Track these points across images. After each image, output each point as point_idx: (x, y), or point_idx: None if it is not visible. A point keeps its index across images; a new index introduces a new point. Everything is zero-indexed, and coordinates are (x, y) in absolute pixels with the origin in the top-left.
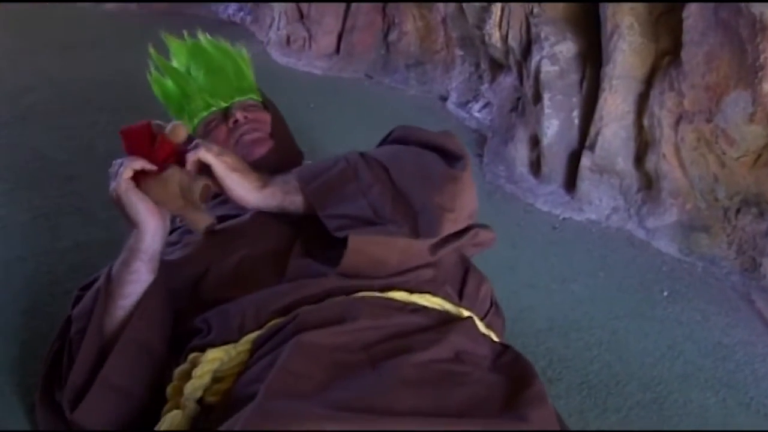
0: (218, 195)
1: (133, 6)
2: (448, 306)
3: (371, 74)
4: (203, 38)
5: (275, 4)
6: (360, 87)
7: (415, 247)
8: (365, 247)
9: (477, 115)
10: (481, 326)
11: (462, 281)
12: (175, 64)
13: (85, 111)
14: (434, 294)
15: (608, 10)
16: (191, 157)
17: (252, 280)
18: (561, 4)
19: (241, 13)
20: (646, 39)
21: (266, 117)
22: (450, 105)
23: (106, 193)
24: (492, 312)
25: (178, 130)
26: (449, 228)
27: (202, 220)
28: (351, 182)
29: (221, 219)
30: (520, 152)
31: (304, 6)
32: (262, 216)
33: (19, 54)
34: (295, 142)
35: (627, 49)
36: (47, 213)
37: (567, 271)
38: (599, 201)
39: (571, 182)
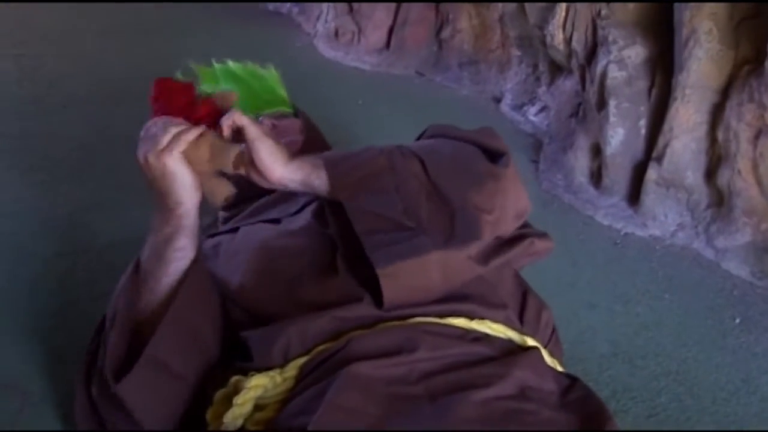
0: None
1: None
2: (511, 333)
3: (422, 72)
4: (231, 63)
5: None
6: (410, 84)
7: (455, 257)
8: (399, 279)
9: (533, 118)
10: (546, 356)
11: (521, 305)
12: (204, 87)
13: (126, 100)
14: (495, 320)
15: (685, 14)
16: (226, 121)
17: (295, 296)
18: (631, 6)
19: (288, 5)
20: (725, 46)
21: (296, 123)
22: (504, 107)
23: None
24: (553, 340)
25: (229, 97)
26: (490, 231)
27: (224, 190)
28: (383, 174)
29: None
30: (580, 161)
31: None
32: (309, 225)
33: (60, 38)
34: (329, 147)
35: (703, 57)
36: (86, 206)
37: (630, 291)
38: (664, 216)
39: (634, 195)
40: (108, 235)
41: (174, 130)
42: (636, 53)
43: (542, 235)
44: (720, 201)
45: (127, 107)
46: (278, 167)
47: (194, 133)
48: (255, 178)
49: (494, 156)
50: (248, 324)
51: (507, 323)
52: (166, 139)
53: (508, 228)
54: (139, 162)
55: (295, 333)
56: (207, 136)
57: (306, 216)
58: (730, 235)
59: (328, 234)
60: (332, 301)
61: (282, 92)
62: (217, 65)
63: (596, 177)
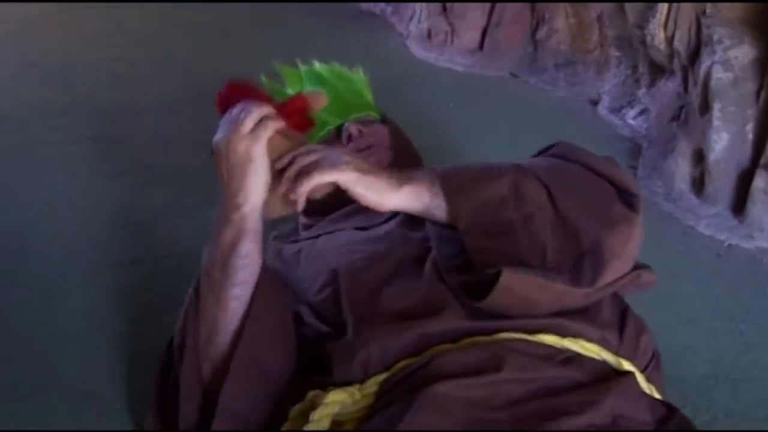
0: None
1: None
2: (605, 355)
3: (517, 73)
4: (317, 64)
5: None
6: (504, 86)
7: (573, 294)
8: (517, 287)
9: (632, 122)
10: (642, 381)
11: (620, 325)
12: (290, 91)
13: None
14: (590, 339)
15: None
16: (303, 187)
17: (378, 305)
18: (739, 3)
19: (382, 5)
20: None
21: (383, 129)
22: (601, 110)
23: None
24: (652, 366)
25: (320, 98)
26: (612, 276)
27: (283, 207)
28: (506, 207)
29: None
30: (681, 167)
31: None
32: (396, 231)
33: (151, 40)
34: (419, 157)
35: None
36: (169, 212)
37: (734, 307)
38: None
39: (739, 204)
40: (189, 241)
41: (261, 113)
42: (743, 53)
43: (646, 267)
44: None
45: (214, 109)
46: (391, 200)
47: (281, 123)
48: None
49: (624, 193)
50: (327, 334)
51: (602, 343)
52: (251, 123)
53: (625, 271)
54: (217, 147)
55: (377, 348)
56: (292, 138)
57: (394, 222)
58: None
59: (418, 239)
60: (416, 308)
61: (369, 96)
62: (302, 66)
63: (698, 184)
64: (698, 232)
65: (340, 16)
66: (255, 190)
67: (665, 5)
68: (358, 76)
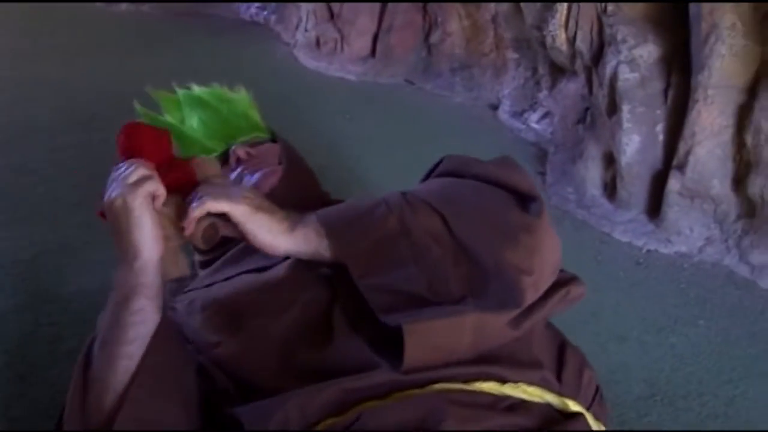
0: (228, 240)
1: (146, 7)
2: (549, 397)
3: (412, 79)
4: (195, 87)
5: (302, 3)
6: (400, 94)
7: (491, 323)
8: (426, 337)
9: (535, 126)
10: (592, 422)
11: (558, 361)
12: (168, 118)
13: (94, 127)
14: (531, 382)
15: (704, 8)
16: (194, 213)
17: (289, 360)
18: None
19: (265, 13)
20: (751, 41)
21: (273, 149)
22: (502, 114)
23: None
24: (597, 400)
25: (211, 166)
26: (531, 296)
27: (179, 268)
28: (397, 241)
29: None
30: (592, 171)
31: (335, 4)
32: (296, 272)
33: (20, 59)
34: (314, 176)
35: (727, 54)
36: (51, 250)
37: (661, 318)
38: (690, 230)
39: (654, 208)
40: (77, 281)
41: (144, 172)
42: (648, 52)
43: (574, 279)
44: (751, 212)
45: (95, 134)
46: (281, 242)
47: (157, 183)
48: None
49: (522, 198)
50: (235, 393)
51: (543, 385)
52: (134, 179)
53: (546, 287)
54: (104, 208)
55: (295, 406)
56: (175, 206)
57: (292, 262)
58: (766, 250)
59: (321, 278)
60: (334, 365)
61: (255, 116)
62: (179, 91)
63: (610, 189)
64: (615, 240)
65: (222, 28)
66: (144, 244)
67: (564, 5)
68: (241, 96)
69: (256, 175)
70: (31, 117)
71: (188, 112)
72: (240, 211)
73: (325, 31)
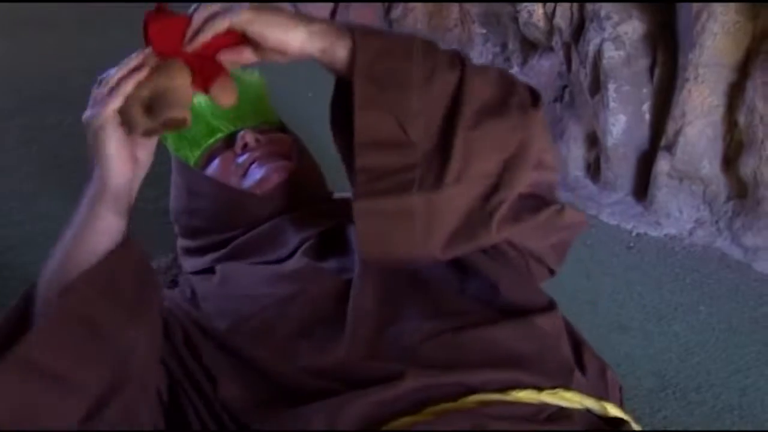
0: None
1: None
2: (588, 402)
3: None
4: None
5: None
6: None
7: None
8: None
9: None
10: (636, 427)
11: (579, 362)
12: None
13: (45, 109)
14: (567, 387)
15: None
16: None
17: (297, 358)
18: None
19: None
20: (743, 17)
21: (285, 138)
22: None
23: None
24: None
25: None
26: (479, 171)
27: (146, 128)
28: (411, 59)
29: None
30: (574, 152)
31: None
32: (307, 264)
33: None
34: (322, 176)
35: (719, 31)
36: (12, 246)
37: (661, 305)
38: (679, 212)
39: (641, 190)
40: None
41: (113, 80)
42: (633, 29)
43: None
44: (742, 192)
45: (46, 118)
46: (296, 36)
47: (141, 74)
48: (272, 57)
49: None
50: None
51: (581, 390)
52: (101, 95)
53: (522, 174)
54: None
55: (323, 422)
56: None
57: (300, 255)
58: (759, 232)
59: (332, 270)
60: (348, 372)
61: (267, 102)
62: None
63: (594, 170)
64: (603, 223)
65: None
66: (110, 163)
67: None
68: (255, 78)
69: (265, 168)
70: None
71: None
72: (243, 18)
73: (279, 7)
